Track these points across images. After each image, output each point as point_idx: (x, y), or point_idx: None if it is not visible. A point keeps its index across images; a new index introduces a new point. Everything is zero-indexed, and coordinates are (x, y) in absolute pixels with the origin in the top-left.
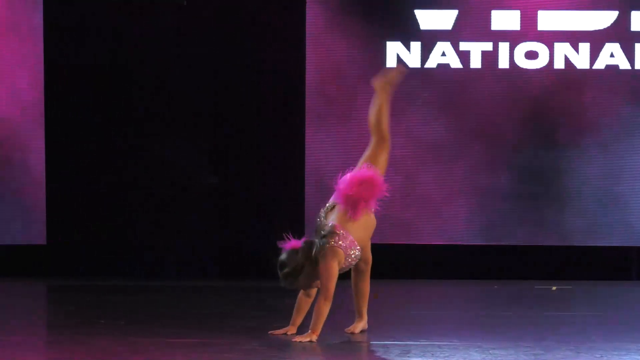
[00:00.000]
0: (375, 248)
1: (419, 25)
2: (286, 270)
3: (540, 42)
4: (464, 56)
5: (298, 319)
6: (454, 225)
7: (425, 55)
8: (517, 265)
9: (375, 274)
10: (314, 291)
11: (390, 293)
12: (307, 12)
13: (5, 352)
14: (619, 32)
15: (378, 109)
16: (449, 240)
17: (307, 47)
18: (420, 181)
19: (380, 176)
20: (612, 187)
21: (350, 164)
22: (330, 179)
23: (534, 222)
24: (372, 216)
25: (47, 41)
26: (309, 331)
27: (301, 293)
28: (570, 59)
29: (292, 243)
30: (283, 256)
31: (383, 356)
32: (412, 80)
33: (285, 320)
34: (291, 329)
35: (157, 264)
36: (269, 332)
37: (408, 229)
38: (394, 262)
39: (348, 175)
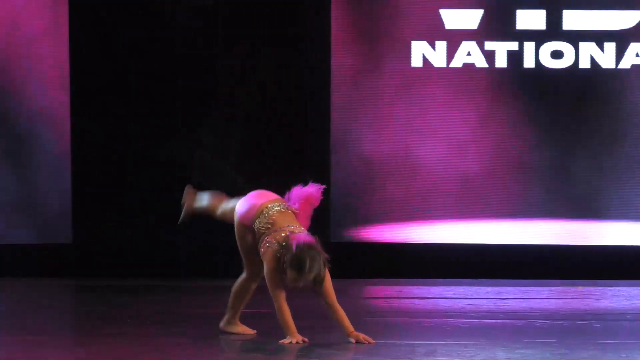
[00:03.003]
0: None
1: (444, 25)
2: (307, 272)
3: (566, 41)
4: (489, 55)
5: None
6: (477, 225)
7: (450, 54)
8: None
9: (403, 273)
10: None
11: (412, 292)
12: (332, 11)
13: (32, 352)
14: None
15: None
16: (471, 240)
17: (332, 46)
18: (449, 177)
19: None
20: None
21: (376, 162)
22: (357, 183)
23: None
24: None
25: (73, 41)
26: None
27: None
28: (596, 59)
29: (303, 237)
30: (306, 254)
31: (409, 355)
32: (438, 80)
33: (314, 319)
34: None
35: (185, 264)
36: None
37: (433, 229)
38: (418, 261)
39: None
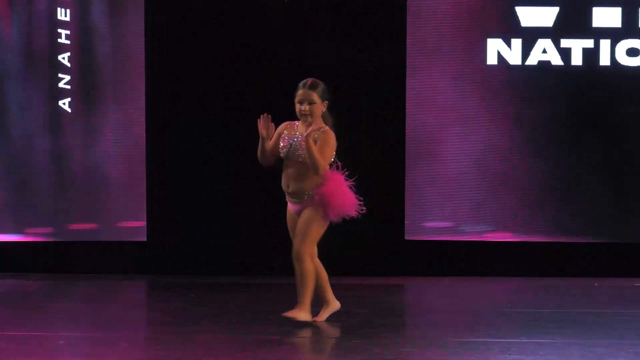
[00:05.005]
0: (470, 245)
1: (520, 22)
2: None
3: None
4: (565, 53)
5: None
6: (557, 221)
7: (526, 52)
8: (615, 263)
9: (474, 271)
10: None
11: (487, 290)
12: (408, 8)
13: (107, 348)
14: None
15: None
16: (548, 238)
17: (407, 44)
18: (516, 176)
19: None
20: None
21: (451, 160)
22: (431, 176)
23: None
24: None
25: (148, 41)
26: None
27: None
28: None
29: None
30: None
31: (484, 353)
32: (513, 77)
33: (389, 316)
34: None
35: (258, 261)
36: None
37: (510, 225)
38: (492, 259)
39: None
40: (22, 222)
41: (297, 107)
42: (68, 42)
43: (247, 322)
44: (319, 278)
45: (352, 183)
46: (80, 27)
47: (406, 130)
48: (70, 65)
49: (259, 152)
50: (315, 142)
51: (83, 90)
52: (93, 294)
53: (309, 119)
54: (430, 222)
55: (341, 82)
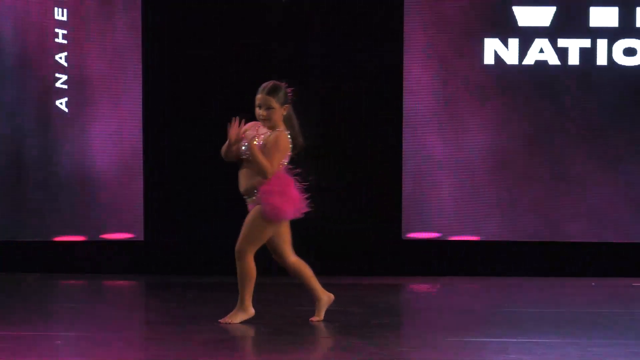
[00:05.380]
0: (470, 245)
1: (517, 22)
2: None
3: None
4: (562, 53)
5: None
6: (554, 223)
7: (523, 51)
8: (614, 263)
9: (471, 271)
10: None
11: (485, 290)
12: (405, 8)
13: (104, 348)
14: None
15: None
16: (546, 238)
17: (404, 43)
18: (514, 176)
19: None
20: None
21: (448, 160)
22: (428, 176)
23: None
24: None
25: (145, 40)
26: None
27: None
28: None
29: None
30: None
31: (480, 353)
32: (510, 77)
33: (386, 316)
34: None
35: (257, 261)
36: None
37: (504, 227)
38: (489, 258)
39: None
40: (18, 222)
41: (256, 111)
42: (65, 42)
43: (244, 322)
44: (304, 276)
45: (301, 185)
46: (77, 26)
47: (403, 130)
48: (67, 64)
49: (223, 150)
50: (265, 145)
51: (80, 90)
52: (91, 293)
53: (267, 124)
54: (429, 221)
55: (341, 82)
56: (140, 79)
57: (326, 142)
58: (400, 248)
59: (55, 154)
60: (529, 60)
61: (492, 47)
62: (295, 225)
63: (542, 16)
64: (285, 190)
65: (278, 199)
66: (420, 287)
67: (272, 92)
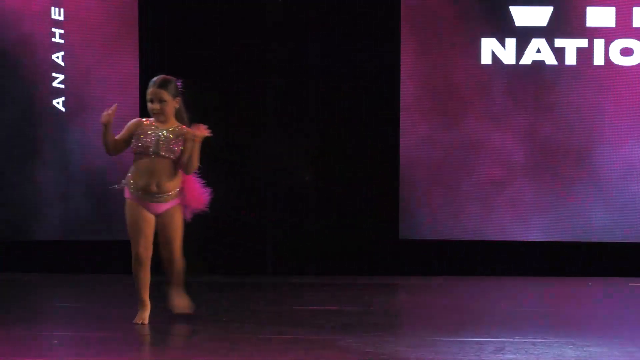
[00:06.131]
0: (470, 245)
1: (514, 22)
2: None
3: (636, 39)
4: (559, 53)
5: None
6: (554, 223)
7: (520, 51)
8: (612, 263)
9: (469, 271)
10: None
11: (483, 289)
12: (402, 8)
13: (106, 347)
14: None
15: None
16: (543, 238)
17: (402, 43)
18: (511, 175)
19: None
20: None
21: (445, 160)
22: (425, 175)
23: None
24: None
25: (143, 39)
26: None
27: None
28: None
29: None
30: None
31: (477, 353)
32: (508, 76)
33: (383, 316)
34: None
35: (253, 260)
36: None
37: (502, 227)
38: (487, 258)
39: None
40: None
41: (149, 105)
42: (62, 41)
43: (240, 321)
44: (147, 278)
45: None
46: (74, 26)
47: (400, 130)
48: (65, 64)
49: (102, 141)
50: (175, 138)
51: (77, 90)
52: (92, 293)
53: (161, 118)
54: (426, 221)
55: (340, 81)
56: (138, 78)
57: (325, 141)
58: (397, 248)
59: (52, 152)
60: (526, 60)
61: (489, 47)
62: (294, 224)
63: (540, 16)
64: (197, 186)
65: (198, 195)
66: (418, 286)
67: (163, 85)
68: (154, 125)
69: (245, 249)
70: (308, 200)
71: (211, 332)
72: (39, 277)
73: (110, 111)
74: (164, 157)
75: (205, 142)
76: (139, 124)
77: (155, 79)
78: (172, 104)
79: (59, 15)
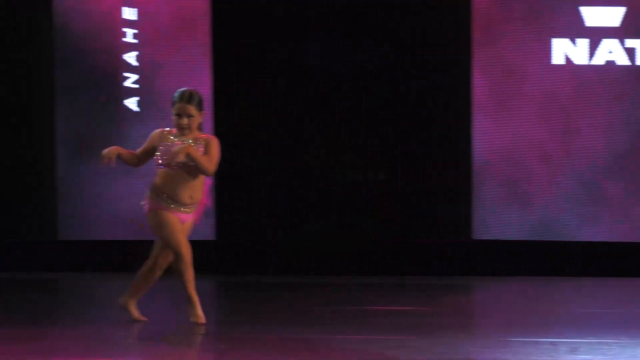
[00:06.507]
0: (543, 245)
1: (585, 22)
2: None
3: None
4: (631, 53)
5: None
6: (624, 224)
7: (592, 52)
8: None
9: (541, 271)
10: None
11: (556, 290)
12: (473, 10)
13: (175, 345)
14: None
15: None
16: (616, 238)
17: (473, 44)
18: (588, 177)
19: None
20: None
21: (517, 160)
22: (497, 176)
23: None
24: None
25: (216, 35)
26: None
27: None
28: None
29: None
30: None
31: (551, 354)
32: (580, 77)
33: (455, 316)
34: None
35: (315, 261)
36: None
37: (576, 227)
38: (559, 259)
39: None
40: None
41: (175, 119)
42: (136, 41)
43: (311, 321)
44: (153, 280)
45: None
46: (147, 25)
47: (473, 130)
48: (138, 64)
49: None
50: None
51: (150, 89)
52: (161, 294)
53: (187, 132)
54: (498, 221)
55: (406, 80)
56: (210, 75)
57: (397, 141)
58: (470, 248)
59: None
60: (599, 60)
61: (561, 48)
62: (362, 225)
63: (612, 16)
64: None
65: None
66: (489, 286)
67: (191, 100)
68: (174, 137)
69: (310, 250)
70: (375, 200)
71: (283, 332)
72: (105, 276)
73: (109, 154)
74: (190, 166)
75: (279, 143)
76: (162, 135)
77: (181, 92)
78: (198, 118)
79: (132, 15)
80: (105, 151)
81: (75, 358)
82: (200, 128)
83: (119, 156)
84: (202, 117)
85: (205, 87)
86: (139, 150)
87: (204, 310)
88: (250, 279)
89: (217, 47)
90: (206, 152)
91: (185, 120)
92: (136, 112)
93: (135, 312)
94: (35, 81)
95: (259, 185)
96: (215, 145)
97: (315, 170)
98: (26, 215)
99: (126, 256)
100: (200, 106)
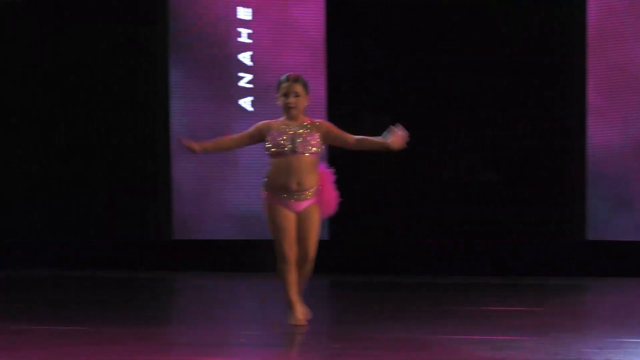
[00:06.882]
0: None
1: None
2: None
3: None
4: None
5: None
6: None
7: None
8: None
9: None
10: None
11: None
12: (587, 15)
13: (290, 345)
14: None
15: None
16: None
17: (588, 47)
18: None
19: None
20: None
21: (633, 160)
22: (612, 176)
23: None
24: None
25: (329, 38)
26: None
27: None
28: None
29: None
30: None
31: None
32: None
33: (570, 316)
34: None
35: (426, 261)
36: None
37: None
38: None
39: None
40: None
41: (282, 100)
42: (250, 41)
43: (428, 320)
44: (294, 278)
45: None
46: (261, 25)
47: (588, 130)
48: (252, 64)
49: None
50: (311, 132)
51: (264, 89)
52: (270, 291)
53: (294, 112)
54: (612, 222)
55: (519, 81)
56: (325, 76)
57: (509, 142)
58: (584, 249)
59: (239, 153)
60: None
61: None
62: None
63: None
64: (332, 186)
65: (332, 196)
66: (603, 287)
67: (298, 80)
68: (284, 124)
69: (421, 250)
70: (493, 202)
71: (394, 332)
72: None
73: (189, 144)
74: (301, 154)
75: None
76: (270, 125)
77: (287, 75)
78: (305, 99)
79: (246, 15)
80: (186, 142)
81: (190, 357)
82: (305, 113)
83: (204, 150)
84: (308, 101)
85: (320, 90)
86: (238, 135)
87: (317, 310)
88: (363, 278)
89: (331, 48)
90: (337, 139)
91: (292, 99)
92: (250, 111)
93: (299, 311)
94: (151, 82)
95: (372, 186)
96: (333, 126)
97: (428, 172)
98: (143, 215)
99: (238, 256)
100: (306, 87)
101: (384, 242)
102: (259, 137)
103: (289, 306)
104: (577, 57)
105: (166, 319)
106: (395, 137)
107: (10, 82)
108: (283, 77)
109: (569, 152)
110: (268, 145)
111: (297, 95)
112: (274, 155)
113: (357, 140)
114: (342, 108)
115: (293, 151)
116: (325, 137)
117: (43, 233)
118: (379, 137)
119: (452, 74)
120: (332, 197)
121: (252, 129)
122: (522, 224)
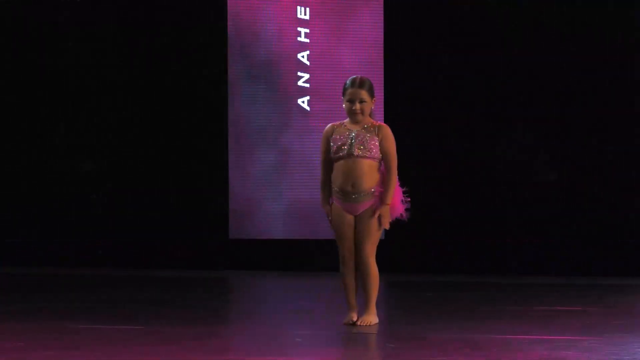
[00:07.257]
0: None
1: None
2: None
3: None
4: None
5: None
6: None
7: None
8: None
9: None
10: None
11: None
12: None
13: (346, 344)
14: None
15: None
16: None
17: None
18: None
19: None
20: None
21: None
22: None
23: None
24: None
25: (388, 37)
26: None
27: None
28: None
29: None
30: None
31: None
32: None
33: (625, 316)
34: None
35: (482, 260)
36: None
37: None
38: None
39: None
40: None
41: (347, 105)
42: (307, 40)
43: (484, 320)
44: (353, 281)
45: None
46: (319, 25)
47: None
48: (310, 63)
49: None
50: (371, 136)
51: (322, 88)
52: (320, 291)
53: (359, 118)
54: None
55: (577, 82)
56: (382, 76)
57: (574, 142)
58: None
59: (296, 152)
60: None
61: None
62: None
63: None
64: (397, 189)
65: (397, 202)
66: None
67: (363, 85)
68: (345, 127)
69: (477, 249)
70: (554, 201)
71: (449, 331)
72: (272, 275)
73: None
74: (358, 156)
75: (453, 140)
76: (333, 128)
77: (353, 78)
78: (370, 104)
79: (305, 14)
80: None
81: (248, 357)
82: (372, 115)
83: (328, 201)
84: (374, 103)
85: (377, 90)
86: (322, 158)
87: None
88: (417, 278)
89: (388, 48)
90: (383, 158)
91: (357, 106)
92: (307, 110)
93: (354, 314)
94: (208, 81)
95: (426, 185)
96: (391, 142)
97: (488, 171)
98: (197, 213)
99: (293, 255)
100: (371, 92)
101: (439, 241)
102: (330, 143)
103: (347, 307)
104: None
105: (223, 318)
106: (385, 218)
107: (9, 81)
108: (348, 81)
109: (629, 150)
110: (331, 149)
111: (362, 101)
112: (334, 158)
113: (385, 175)
114: (399, 107)
115: (350, 154)
116: (379, 144)
117: (106, 231)
118: (388, 195)
119: (511, 76)
120: (396, 205)
121: (321, 142)
122: (585, 224)
